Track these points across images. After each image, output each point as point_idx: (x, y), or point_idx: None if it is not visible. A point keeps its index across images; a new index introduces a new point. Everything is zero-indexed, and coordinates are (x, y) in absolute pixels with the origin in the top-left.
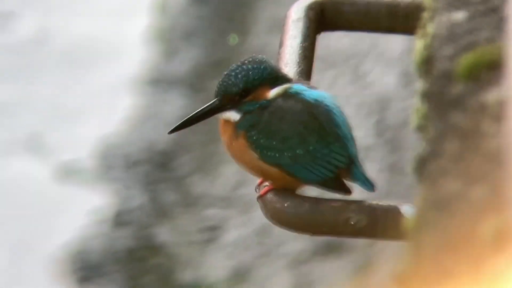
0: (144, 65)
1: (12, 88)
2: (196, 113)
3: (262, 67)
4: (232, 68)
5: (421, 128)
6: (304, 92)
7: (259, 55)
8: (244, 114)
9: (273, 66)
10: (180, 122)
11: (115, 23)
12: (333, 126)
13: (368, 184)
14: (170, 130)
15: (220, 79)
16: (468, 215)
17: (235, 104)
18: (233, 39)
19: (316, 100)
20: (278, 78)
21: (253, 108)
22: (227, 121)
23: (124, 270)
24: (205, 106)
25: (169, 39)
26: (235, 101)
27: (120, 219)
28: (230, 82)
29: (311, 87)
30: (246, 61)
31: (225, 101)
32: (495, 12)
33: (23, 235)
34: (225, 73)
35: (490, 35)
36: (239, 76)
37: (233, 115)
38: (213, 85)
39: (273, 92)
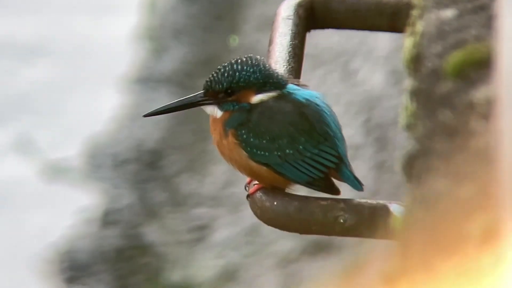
0: (132, 63)
1: None
2: (177, 101)
3: (251, 70)
4: (223, 65)
5: (409, 126)
6: (295, 92)
7: (256, 56)
8: (232, 112)
9: (265, 71)
10: (158, 108)
11: (103, 20)
12: (324, 126)
13: (357, 184)
14: (146, 114)
15: (211, 73)
16: (456, 213)
17: (218, 101)
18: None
19: (307, 99)
20: (266, 84)
21: (233, 108)
22: (216, 119)
23: (112, 269)
24: (187, 96)
25: (158, 37)
26: (218, 98)
27: (108, 219)
28: (216, 79)
29: (303, 86)
30: (239, 60)
31: (209, 95)
32: (483, 10)
33: (11, 235)
34: (217, 68)
35: (478, 33)
36: (225, 75)
37: (215, 111)
38: (202, 83)
39: (257, 98)
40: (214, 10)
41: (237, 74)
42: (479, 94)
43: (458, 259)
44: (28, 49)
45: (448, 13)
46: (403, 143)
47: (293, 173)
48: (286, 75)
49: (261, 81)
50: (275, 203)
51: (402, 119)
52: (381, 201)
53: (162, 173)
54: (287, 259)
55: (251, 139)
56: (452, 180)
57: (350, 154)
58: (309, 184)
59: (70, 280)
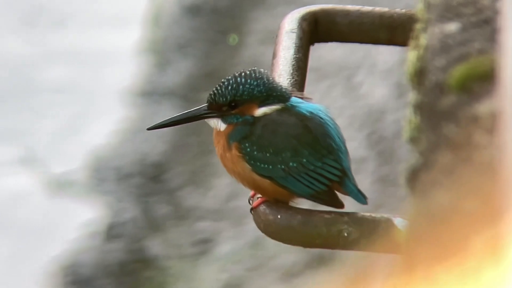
0: (136, 76)
1: (3, 101)
2: (181, 114)
3: (255, 83)
4: (227, 78)
5: (413, 140)
6: (299, 105)
7: (260, 70)
8: (235, 125)
9: (269, 84)
10: (162, 121)
11: (107, 34)
12: (327, 139)
13: (361, 197)
14: (150, 127)
15: (215, 86)
16: (460, 227)
17: (221, 114)
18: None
19: (310, 112)
20: (269, 97)
21: (237, 121)
22: (219, 132)
23: (116, 283)
24: (191, 109)
25: (161, 50)
26: (222, 110)
27: (112, 232)
28: (220, 92)
29: (306, 99)
30: (242, 74)
31: (212, 108)
32: (487, 24)
33: (15, 248)
34: (221, 81)
35: (482, 46)
36: (229, 88)
37: (218, 124)
38: (206, 96)
39: (260, 111)
40: (218, 23)
41: (240, 87)
42: (483, 107)
43: (462, 272)
44: (32, 61)
45: (452, 26)
46: (406, 156)
47: (296, 186)
48: (290, 88)
49: (264, 94)
50: (279, 216)
51: (406, 133)
52: (385, 215)
53: (165, 186)
54: (290, 273)
55: (255, 152)
56: (456, 193)
57: (353, 167)
58: (312, 197)
59: None
